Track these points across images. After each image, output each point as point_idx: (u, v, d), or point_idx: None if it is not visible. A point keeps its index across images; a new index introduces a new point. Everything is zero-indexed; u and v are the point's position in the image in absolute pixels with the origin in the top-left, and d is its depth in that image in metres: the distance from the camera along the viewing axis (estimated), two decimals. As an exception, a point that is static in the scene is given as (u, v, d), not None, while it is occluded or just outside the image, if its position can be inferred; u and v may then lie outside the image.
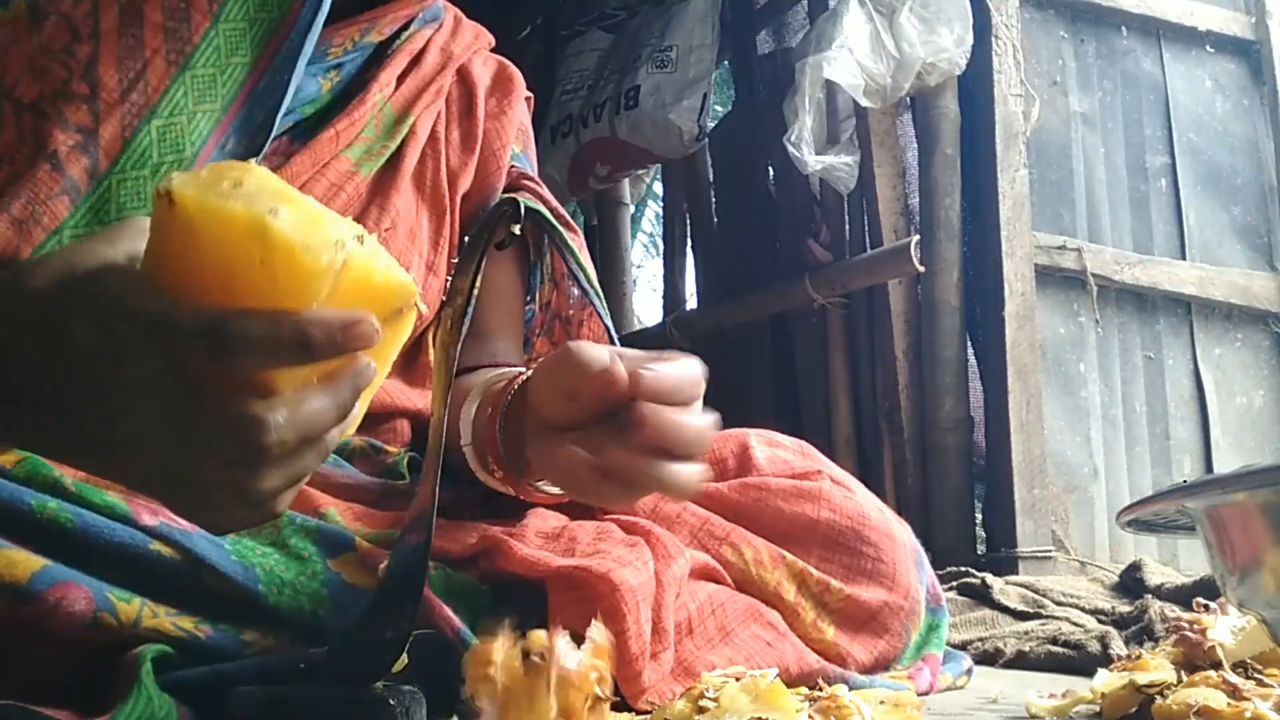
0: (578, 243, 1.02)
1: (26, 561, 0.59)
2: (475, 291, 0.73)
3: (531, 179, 1.03)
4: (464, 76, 1.01)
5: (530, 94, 1.09)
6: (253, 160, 0.52)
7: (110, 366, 0.48)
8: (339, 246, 0.47)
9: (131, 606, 0.62)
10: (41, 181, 0.74)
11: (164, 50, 0.79)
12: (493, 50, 1.07)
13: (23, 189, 0.74)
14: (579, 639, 0.54)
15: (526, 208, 0.90)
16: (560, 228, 0.98)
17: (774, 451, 0.93)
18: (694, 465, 0.65)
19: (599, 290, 1.02)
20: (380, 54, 0.93)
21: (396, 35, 0.94)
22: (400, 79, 0.94)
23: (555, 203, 1.02)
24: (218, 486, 0.49)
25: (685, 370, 0.66)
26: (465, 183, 0.99)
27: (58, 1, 0.78)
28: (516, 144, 1.04)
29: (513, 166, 1.02)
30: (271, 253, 0.46)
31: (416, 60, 0.95)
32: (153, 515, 0.65)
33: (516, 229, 0.59)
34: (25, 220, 0.73)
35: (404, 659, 0.57)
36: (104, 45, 0.78)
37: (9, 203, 0.73)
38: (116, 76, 0.78)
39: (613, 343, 1.05)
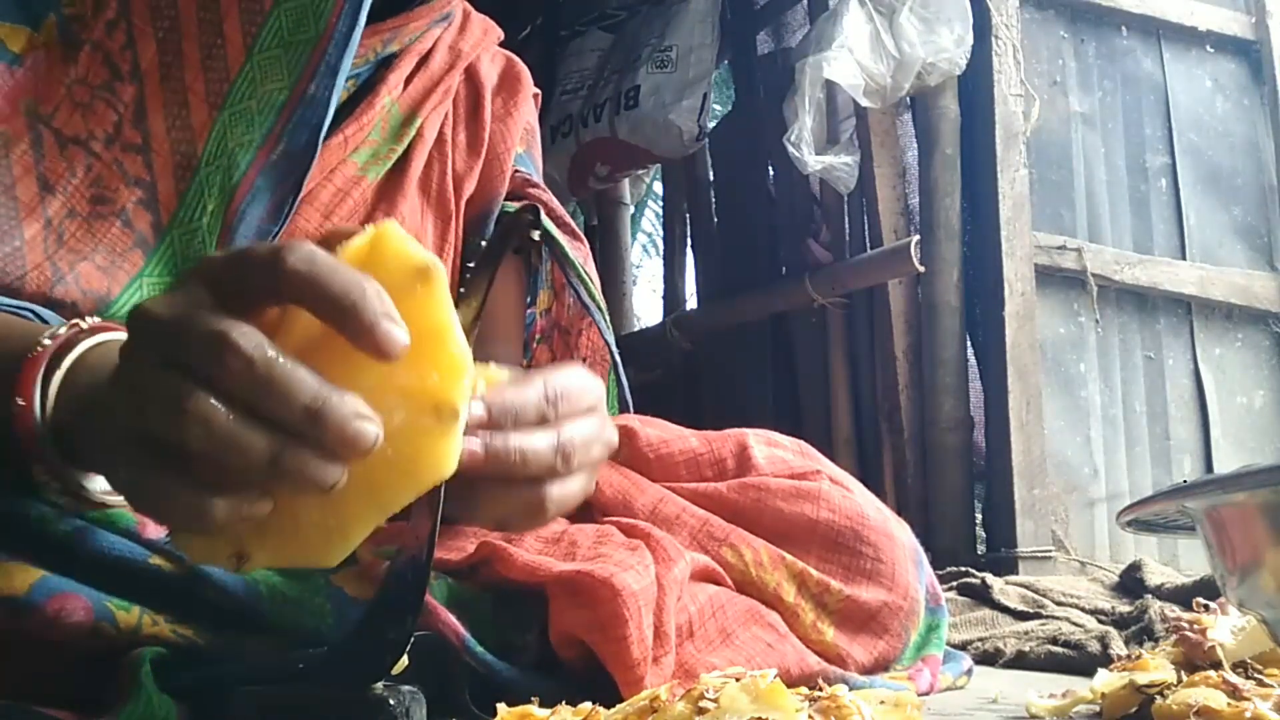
0: (583, 253, 1.01)
1: (24, 573, 0.59)
2: (487, 299, 0.73)
3: (536, 184, 1.02)
4: (471, 75, 1.00)
5: (537, 90, 1.08)
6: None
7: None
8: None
9: (131, 615, 0.61)
10: (116, 239, 0.77)
11: (204, 93, 0.79)
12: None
13: (100, 243, 0.76)
14: None
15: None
16: (563, 238, 0.98)
17: (773, 451, 0.93)
18: None
19: (601, 304, 1.00)
20: (389, 57, 0.92)
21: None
22: (408, 80, 0.92)
23: (560, 210, 1.01)
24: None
25: None
26: (470, 187, 0.98)
27: (90, 29, 0.77)
28: (520, 145, 1.03)
29: (516, 171, 1.01)
30: None
31: (424, 60, 0.94)
32: (158, 528, 0.64)
33: (536, 234, 0.59)
34: (109, 268, 0.76)
35: (404, 660, 0.57)
36: (148, 88, 0.78)
37: (90, 252, 0.76)
38: (164, 125, 0.79)
39: (612, 355, 1.04)
